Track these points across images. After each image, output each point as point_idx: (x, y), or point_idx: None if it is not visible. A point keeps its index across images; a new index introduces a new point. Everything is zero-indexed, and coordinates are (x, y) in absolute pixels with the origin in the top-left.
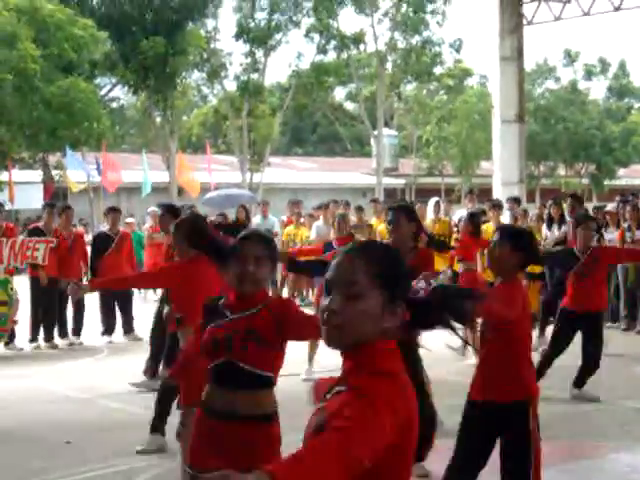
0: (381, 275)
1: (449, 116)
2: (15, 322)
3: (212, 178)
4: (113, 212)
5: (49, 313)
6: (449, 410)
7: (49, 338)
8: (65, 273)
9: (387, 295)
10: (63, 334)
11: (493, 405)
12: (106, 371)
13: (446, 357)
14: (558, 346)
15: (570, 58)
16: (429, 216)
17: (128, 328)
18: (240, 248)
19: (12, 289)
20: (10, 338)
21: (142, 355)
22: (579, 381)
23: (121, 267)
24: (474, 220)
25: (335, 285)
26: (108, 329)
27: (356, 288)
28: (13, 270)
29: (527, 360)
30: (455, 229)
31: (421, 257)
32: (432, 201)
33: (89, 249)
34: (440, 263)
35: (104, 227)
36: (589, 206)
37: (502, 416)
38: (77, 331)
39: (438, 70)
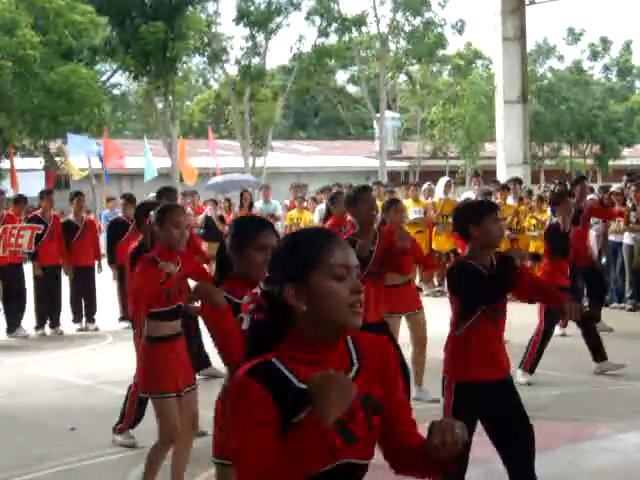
0: None
1: (455, 97)
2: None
3: (218, 163)
4: (126, 199)
5: (55, 300)
6: None
7: (55, 325)
8: (77, 259)
9: None
10: (77, 320)
11: None
12: (111, 358)
13: None
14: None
15: (574, 36)
16: (438, 195)
17: None
18: (261, 238)
19: None
20: (13, 327)
21: None
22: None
23: None
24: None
25: (354, 269)
26: (127, 315)
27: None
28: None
29: None
30: None
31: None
32: (442, 180)
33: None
34: (449, 244)
35: (119, 213)
36: (594, 187)
37: None
38: (90, 317)
39: (441, 51)
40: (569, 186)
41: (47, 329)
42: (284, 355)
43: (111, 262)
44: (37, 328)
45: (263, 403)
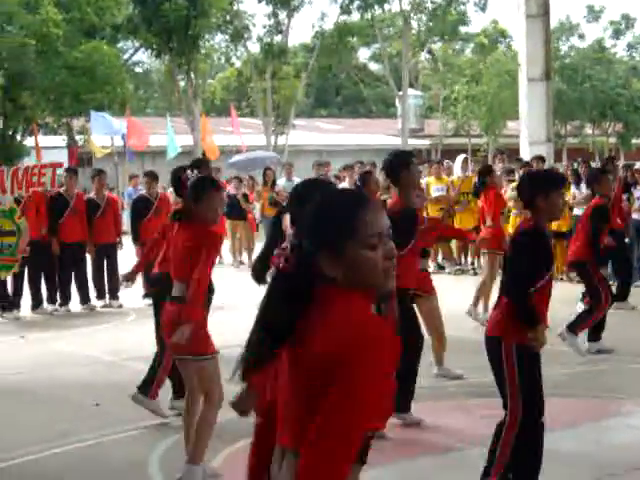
0: None
1: (478, 75)
2: (25, 252)
3: (243, 140)
4: (148, 176)
5: (81, 277)
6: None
7: (85, 301)
8: (99, 237)
9: None
10: (100, 297)
11: None
12: (135, 334)
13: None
14: None
15: (594, 14)
16: (456, 173)
17: None
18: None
19: (20, 218)
20: (37, 303)
21: None
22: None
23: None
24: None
25: (384, 233)
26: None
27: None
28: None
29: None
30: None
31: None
32: (460, 158)
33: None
34: (471, 222)
35: (142, 191)
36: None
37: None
38: (114, 293)
39: (464, 29)
40: (595, 165)
41: (71, 305)
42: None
43: (135, 240)
44: (62, 305)
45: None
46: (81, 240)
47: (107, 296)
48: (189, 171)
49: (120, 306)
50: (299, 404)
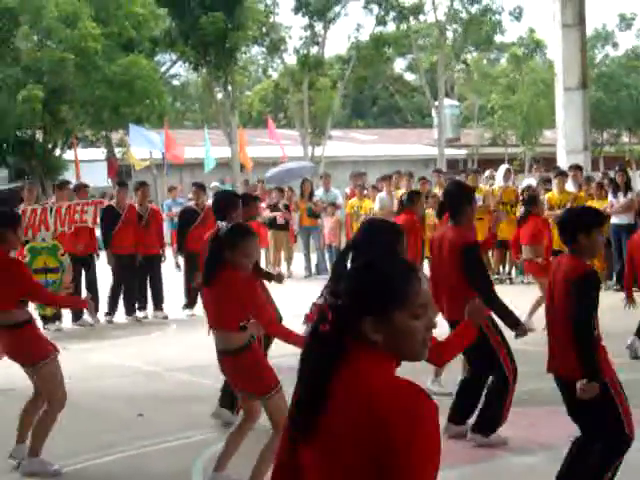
0: None
1: (514, 84)
2: (69, 288)
3: (282, 151)
4: (197, 187)
5: (130, 288)
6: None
7: (130, 312)
8: (142, 248)
9: None
10: (142, 307)
11: None
12: (175, 345)
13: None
14: None
15: (626, 22)
16: (498, 183)
17: None
18: None
19: (63, 255)
20: (78, 315)
21: None
22: None
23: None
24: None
25: (428, 304)
26: (190, 302)
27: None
28: (93, 248)
29: None
30: (520, 198)
31: None
32: (502, 168)
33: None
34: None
35: (190, 202)
36: None
37: None
38: (158, 305)
39: (498, 38)
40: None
41: (125, 316)
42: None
43: (180, 250)
44: (108, 314)
45: None
46: (131, 252)
47: (151, 307)
48: (220, 223)
49: (165, 317)
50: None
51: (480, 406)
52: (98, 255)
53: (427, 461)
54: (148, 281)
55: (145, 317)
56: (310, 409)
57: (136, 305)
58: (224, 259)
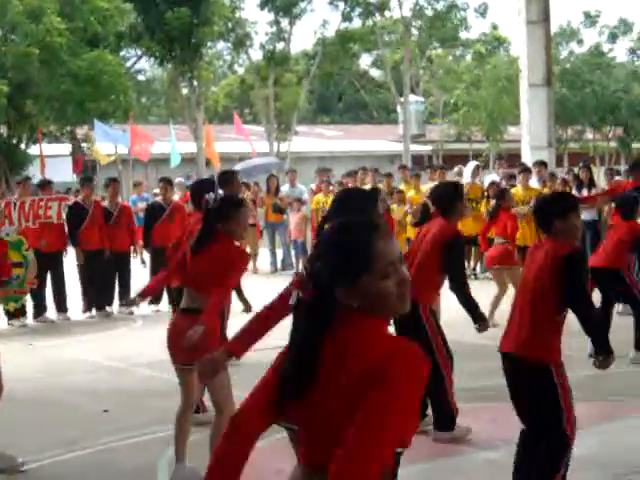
0: None
1: (477, 81)
2: (33, 284)
3: (243, 147)
4: (165, 182)
5: (100, 283)
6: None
7: (101, 307)
8: (112, 245)
9: None
10: (109, 303)
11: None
12: (141, 340)
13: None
14: None
15: (590, 19)
16: (465, 179)
17: (172, 297)
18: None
19: (27, 250)
20: (40, 310)
21: None
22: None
23: (173, 237)
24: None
25: (397, 260)
26: (156, 298)
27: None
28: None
29: None
30: (485, 194)
31: None
32: (471, 164)
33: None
34: (475, 228)
35: (156, 198)
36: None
37: None
38: (124, 300)
39: (464, 35)
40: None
41: (94, 312)
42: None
43: (146, 245)
44: (85, 311)
45: None
46: (99, 248)
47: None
48: (208, 195)
49: (131, 313)
50: (331, 425)
51: (431, 406)
52: (66, 252)
53: (408, 396)
54: (117, 278)
55: (111, 312)
56: (301, 378)
57: (112, 300)
58: (217, 229)
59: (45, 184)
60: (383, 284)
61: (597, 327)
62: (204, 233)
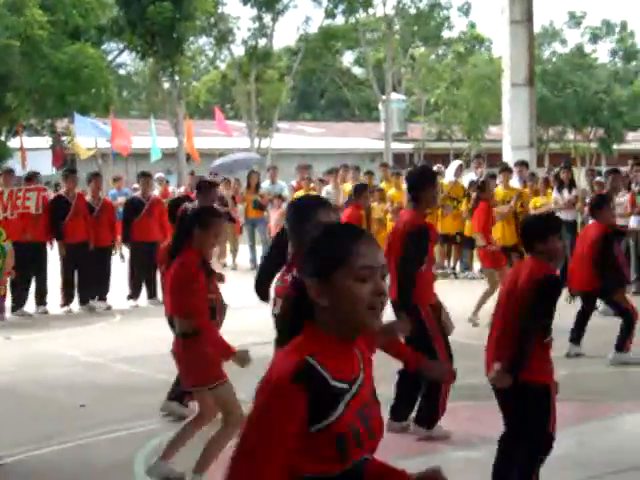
0: None
1: (458, 80)
2: (10, 274)
3: (228, 143)
4: (144, 177)
5: (83, 277)
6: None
7: (85, 301)
8: (94, 239)
9: None
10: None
11: None
12: (120, 335)
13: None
14: None
15: (575, 20)
16: (448, 178)
17: (151, 292)
18: (320, 215)
19: (5, 240)
20: (19, 303)
21: (156, 320)
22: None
23: (152, 232)
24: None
25: (380, 269)
26: (134, 293)
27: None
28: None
29: None
30: (467, 193)
31: None
32: (455, 164)
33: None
34: (455, 226)
35: (136, 193)
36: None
37: None
38: (102, 296)
39: (447, 34)
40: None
41: (73, 306)
42: (314, 350)
43: (125, 240)
44: (63, 305)
45: (299, 413)
46: (83, 240)
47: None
48: (187, 204)
49: (108, 308)
50: None
51: (420, 398)
52: (52, 245)
53: (265, 432)
54: (96, 272)
55: (94, 307)
56: None
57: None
58: (188, 238)
59: (32, 177)
60: (356, 285)
61: (522, 352)
62: (177, 240)
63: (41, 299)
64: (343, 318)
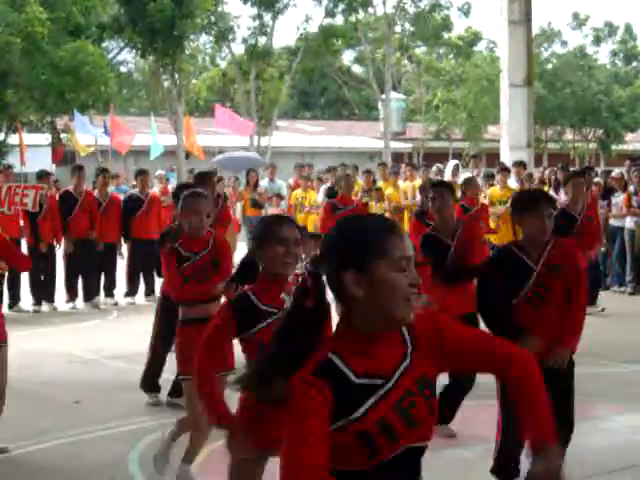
0: None
1: (458, 80)
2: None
3: (223, 141)
4: (142, 175)
5: (88, 274)
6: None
7: (90, 297)
8: (100, 235)
9: None
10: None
11: None
12: (115, 332)
13: None
14: None
15: (578, 21)
16: (446, 177)
17: (149, 290)
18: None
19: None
20: (15, 300)
21: (153, 317)
22: None
23: (150, 229)
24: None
25: (412, 259)
26: (132, 290)
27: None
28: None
29: None
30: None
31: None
32: (452, 163)
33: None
34: None
35: (134, 190)
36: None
37: None
38: (109, 292)
39: (447, 34)
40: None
41: (79, 302)
42: (338, 348)
43: (126, 237)
44: (68, 301)
45: (322, 408)
46: (90, 237)
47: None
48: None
49: (116, 304)
50: None
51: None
52: (59, 244)
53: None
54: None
55: (98, 303)
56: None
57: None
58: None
59: (44, 175)
60: (396, 275)
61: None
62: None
63: (49, 296)
64: (380, 309)
